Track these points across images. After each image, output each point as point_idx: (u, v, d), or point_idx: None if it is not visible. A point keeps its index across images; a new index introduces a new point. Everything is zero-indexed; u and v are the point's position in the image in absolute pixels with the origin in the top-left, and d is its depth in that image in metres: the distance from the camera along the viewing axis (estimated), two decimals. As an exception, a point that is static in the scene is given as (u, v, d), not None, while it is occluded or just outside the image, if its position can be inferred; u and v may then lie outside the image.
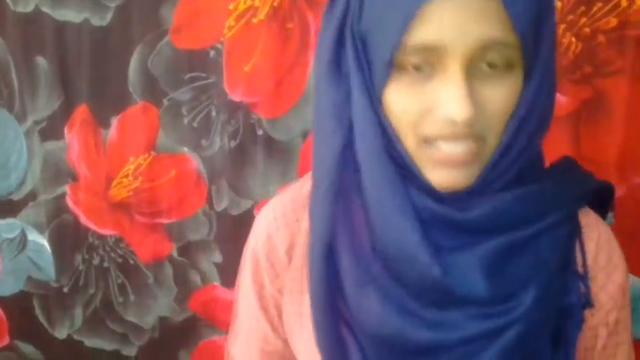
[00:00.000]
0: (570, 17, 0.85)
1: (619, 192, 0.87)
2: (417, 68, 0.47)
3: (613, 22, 0.83)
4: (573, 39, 0.85)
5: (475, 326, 0.50)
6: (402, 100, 0.48)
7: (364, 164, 0.51)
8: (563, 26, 0.85)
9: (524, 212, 0.51)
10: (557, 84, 0.85)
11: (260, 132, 1.02)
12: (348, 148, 0.51)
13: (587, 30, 0.84)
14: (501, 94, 0.47)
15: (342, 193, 0.53)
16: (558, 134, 0.86)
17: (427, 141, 0.48)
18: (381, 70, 0.48)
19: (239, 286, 0.66)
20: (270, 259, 0.60)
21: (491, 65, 0.46)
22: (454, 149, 0.47)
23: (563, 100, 0.87)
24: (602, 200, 0.60)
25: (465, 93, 0.45)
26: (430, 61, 0.46)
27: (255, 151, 1.03)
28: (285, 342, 0.63)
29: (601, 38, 0.84)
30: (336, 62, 0.51)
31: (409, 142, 0.49)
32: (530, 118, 0.49)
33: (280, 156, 1.02)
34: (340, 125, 0.51)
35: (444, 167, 0.48)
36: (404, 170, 0.50)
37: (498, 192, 0.51)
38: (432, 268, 0.49)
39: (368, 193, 0.51)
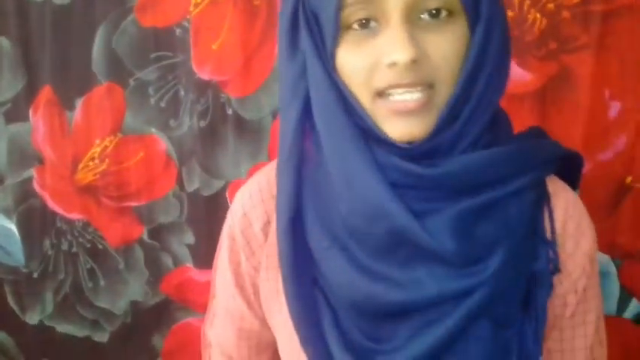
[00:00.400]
0: (535, -7, 0.85)
1: (584, 168, 0.87)
2: (363, 25, 0.50)
3: (577, -3, 0.84)
4: (538, 15, 0.85)
5: (441, 286, 0.51)
6: (351, 58, 0.50)
7: (323, 129, 0.53)
8: (527, 2, 0.85)
9: (491, 173, 0.52)
10: (523, 60, 0.88)
11: (230, 111, 1.01)
12: (306, 118, 0.54)
13: (551, 6, 0.84)
14: (445, 40, 0.49)
15: (306, 163, 0.55)
16: (524, 110, 0.87)
17: (380, 95, 0.50)
18: (330, 30, 0.50)
19: (216, 266, 0.65)
20: (246, 236, 0.60)
21: (433, 15, 0.49)
22: (406, 97, 0.49)
23: (528, 77, 0.87)
24: (571, 171, 0.61)
25: (405, 36, 0.47)
26: (375, 15, 0.49)
27: (225, 130, 1.01)
28: (263, 321, 0.63)
29: (565, 14, 0.84)
30: (293, 42, 0.54)
31: (364, 99, 0.51)
32: (482, 67, 0.50)
33: (251, 135, 1.01)
34: (296, 96, 0.53)
35: (399, 117, 0.50)
36: (365, 131, 0.52)
37: (465, 153, 0.52)
38: (403, 217, 0.50)
39: (330, 157, 0.53)
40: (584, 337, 0.58)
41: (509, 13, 0.87)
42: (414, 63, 0.48)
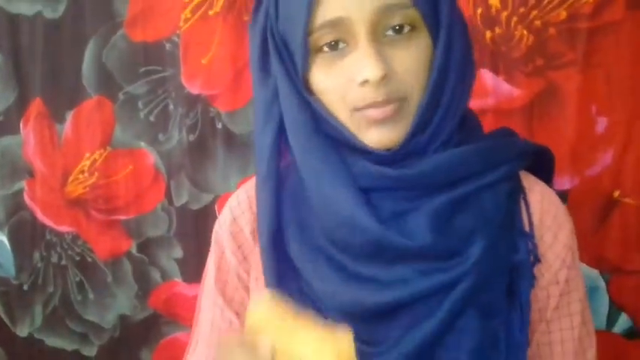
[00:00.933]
0: (521, 10, 0.85)
1: (572, 184, 0.88)
2: (333, 47, 0.52)
3: (563, 14, 0.84)
4: (525, 32, 0.85)
5: (425, 282, 0.52)
6: (324, 79, 0.53)
7: (297, 147, 0.55)
8: (515, 19, 0.86)
9: (464, 169, 0.54)
10: (511, 76, 0.88)
11: (219, 125, 1.01)
12: (280, 139, 0.56)
13: (538, 23, 0.85)
14: (409, 56, 0.52)
15: (284, 181, 0.57)
16: (512, 126, 0.86)
17: (357, 109, 0.53)
18: (300, 54, 0.53)
19: (202, 289, 0.65)
20: (237, 240, 0.61)
21: (397, 31, 0.52)
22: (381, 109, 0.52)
23: (516, 93, 0.88)
24: (543, 168, 0.63)
25: (373, 54, 0.50)
26: (342, 36, 0.52)
27: (214, 144, 1.01)
28: None
29: (552, 31, 0.85)
30: (264, 68, 0.56)
31: (342, 114, 0.53)
32: (447, 76, 0.53)
33: (240, 149, 1.01)
34: (270, 120, 0.56)
35: (376, 126, 0.53)
36: (341, 144, 0.54)
37: (437, 153, 0.55)
38: (376, 229, 0.52)
39: (305, 174, 0.55)
40: (571, 328, 0.58)
41: (497, 30, 0.87)
42: (384, 78, 0.50)
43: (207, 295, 0.64)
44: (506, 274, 0.55)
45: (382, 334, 0.54)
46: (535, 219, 0.57)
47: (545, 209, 0.58)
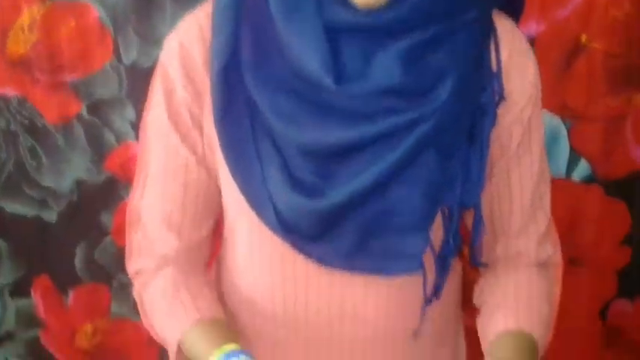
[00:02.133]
0: None
1: (538, 29, 0.84)
2: None
3: None
4: None
5: (392, 119, 0.52)
6: None
7: None
8: None
9: (437, 10, 0.53)
10: None
11: (166, -29, 0.93)
12: None
13: None
14: None
15: (249, 12, 0.54)
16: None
17: None
18: None
19: (147, 129, 0.61)
20: (188, 72, 0.57)
21: None
22: None
23: None
24: (514, 9, 0.62)
25: None
26: None
27: (162, -7, 0.94)
28: (209, 171, 0.60)
29: None
30: None
31: None
32: None
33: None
34: None
35: None
36: None
37: None
38: (325, 79, 0.51)
39: (277, 14, 0.53)
40: (530, 164, 0.60)
41: None
42: None
43: (158, 134, 0.60)
44: (471, 115, 0.56)
45: (340, 171, 0.54)
46: (504, 56, 0.57)
47: (515, 47, 0.58)
